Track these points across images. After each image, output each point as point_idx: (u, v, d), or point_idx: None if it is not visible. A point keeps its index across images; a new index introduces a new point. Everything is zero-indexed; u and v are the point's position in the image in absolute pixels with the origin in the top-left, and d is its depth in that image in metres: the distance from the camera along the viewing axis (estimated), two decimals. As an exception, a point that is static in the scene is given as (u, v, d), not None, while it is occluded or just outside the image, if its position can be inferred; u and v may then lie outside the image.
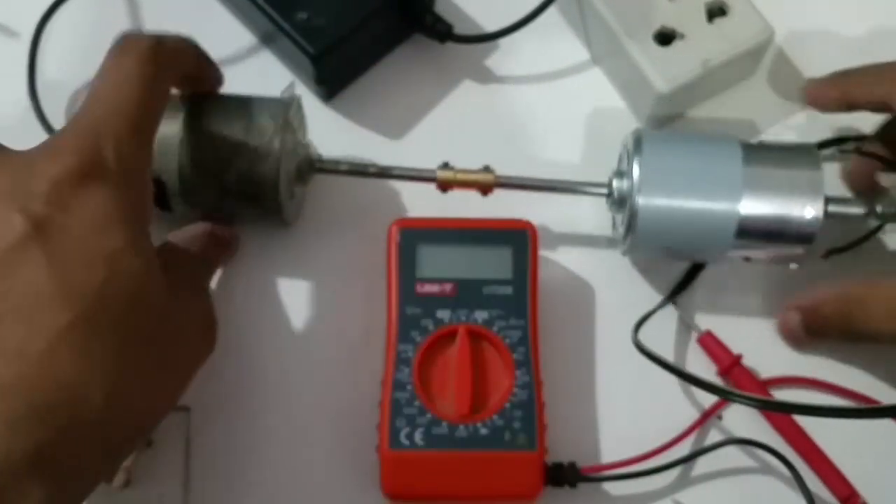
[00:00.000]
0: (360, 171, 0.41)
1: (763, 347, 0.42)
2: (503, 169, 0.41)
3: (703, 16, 0.43)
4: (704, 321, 0.43)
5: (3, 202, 0.29)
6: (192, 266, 0.38)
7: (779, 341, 0.42)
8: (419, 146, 0.45)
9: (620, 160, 0.42)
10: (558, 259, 0.43)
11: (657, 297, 0.43)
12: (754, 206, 0.38)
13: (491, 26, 0.46)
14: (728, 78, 0.45)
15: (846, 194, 0.40)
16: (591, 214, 0.44)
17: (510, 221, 0.41)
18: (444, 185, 0.41)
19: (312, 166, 0.41)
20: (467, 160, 0.41)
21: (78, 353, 0.29)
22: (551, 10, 0.45)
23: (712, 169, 0.39)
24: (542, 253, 0.41)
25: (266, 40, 0.47)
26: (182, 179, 0.38)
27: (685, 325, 0.42)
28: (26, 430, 0.27)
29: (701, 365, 0.42)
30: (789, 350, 0.42)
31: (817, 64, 0.47)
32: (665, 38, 0.43)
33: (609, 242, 0.43)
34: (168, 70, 0.35)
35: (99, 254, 0.30)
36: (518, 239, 0.40)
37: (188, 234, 0.39)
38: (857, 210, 0.39)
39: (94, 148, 0.31)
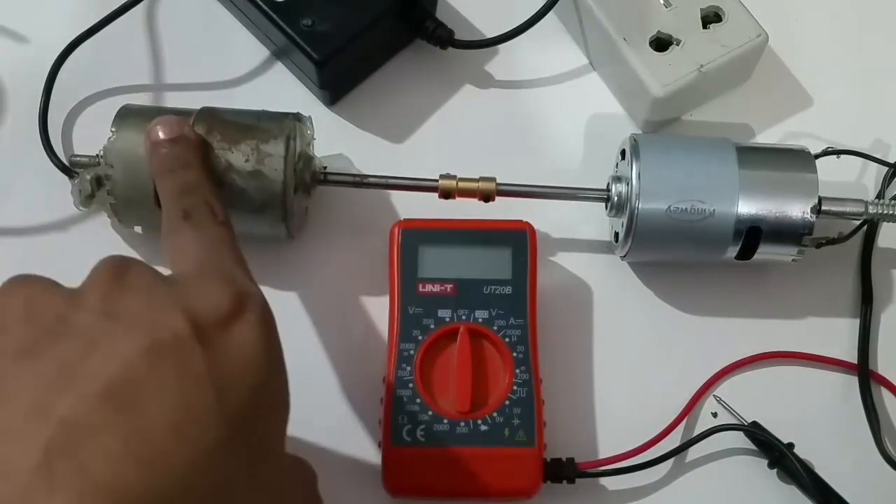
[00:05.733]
0: (363, 182, 0.42)
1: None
2: (503, 170, 0.41)
3: (698, 22, 0.44)
4: (690, 320, 0.43)
5: (166, 306, 0.28)
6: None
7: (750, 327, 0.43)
8: (420, 150, 0.46)
9: (617, 165, 0.43)
10: (557, 259, 0.44)
11: (654, 297, 0.43)
12: (751, 209, 0.39)
13: (491, 32, 0.46)
14: (723, 82, 0.46)
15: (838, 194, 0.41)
16: (589, 216, 0.44)
17: (510, 222, 0.41)
18: (447, 194, 0.41)
19: (317, 178, 0.41)
20: (468, 163, 0.41)
21: (221, 473, 0.27)
22: (550, 17, 0.46)
23: (709, 172, 0.39)
24: (541, 254, 0.41)
25: (277, 53, 0.47)
26: None
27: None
28: None
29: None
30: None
31: (811, 69, 0.48)
32: (661, 43, 0.44)
33: (606, 244, 0.44)
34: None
35: (249, 382, 0.29)
36: (517, 239, 0.40)
37: None
38: (850, 210, 0.40)
39: (239, 283, 0.31)
